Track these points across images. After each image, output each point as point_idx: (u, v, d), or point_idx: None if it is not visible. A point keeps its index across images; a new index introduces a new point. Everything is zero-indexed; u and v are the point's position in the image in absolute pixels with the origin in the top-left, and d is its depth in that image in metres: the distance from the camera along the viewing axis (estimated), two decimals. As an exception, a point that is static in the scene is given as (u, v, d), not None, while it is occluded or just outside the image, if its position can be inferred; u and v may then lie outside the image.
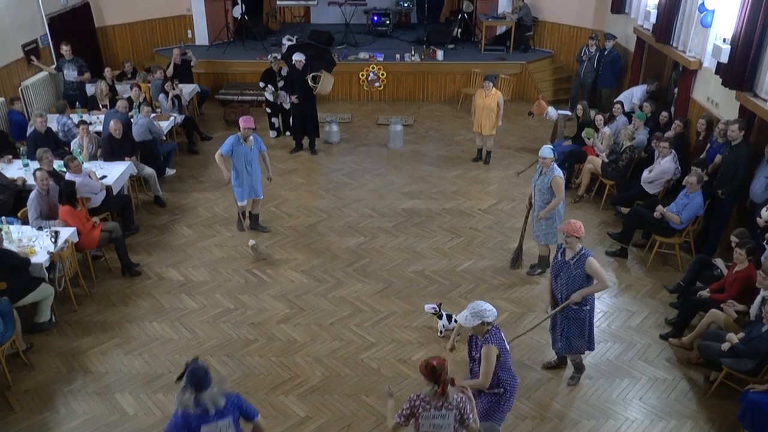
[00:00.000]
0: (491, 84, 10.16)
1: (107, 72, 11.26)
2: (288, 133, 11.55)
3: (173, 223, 8.96)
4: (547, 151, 7.23)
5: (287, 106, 11.06)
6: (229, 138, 8.08)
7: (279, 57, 11.63)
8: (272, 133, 11.78)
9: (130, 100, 10.25)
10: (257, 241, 8.18)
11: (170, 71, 11.78)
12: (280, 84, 11.01)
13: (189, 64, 12.44)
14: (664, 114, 9.51)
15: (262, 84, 11.27)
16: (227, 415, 4.11)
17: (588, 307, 5.78)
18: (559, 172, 7.25)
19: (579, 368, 6.19)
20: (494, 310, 4.74)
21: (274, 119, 11.65)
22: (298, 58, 10.55)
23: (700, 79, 9.28)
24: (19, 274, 6.34)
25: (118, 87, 11.42)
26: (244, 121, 8.02)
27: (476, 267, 7.97)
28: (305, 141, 11.21)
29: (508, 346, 4.92)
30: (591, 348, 6.03)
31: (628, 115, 10.04)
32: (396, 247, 8.35)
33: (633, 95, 11.02)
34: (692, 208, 7.58)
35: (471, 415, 4.26)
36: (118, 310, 7.14)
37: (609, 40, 11.94)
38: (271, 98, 11.25)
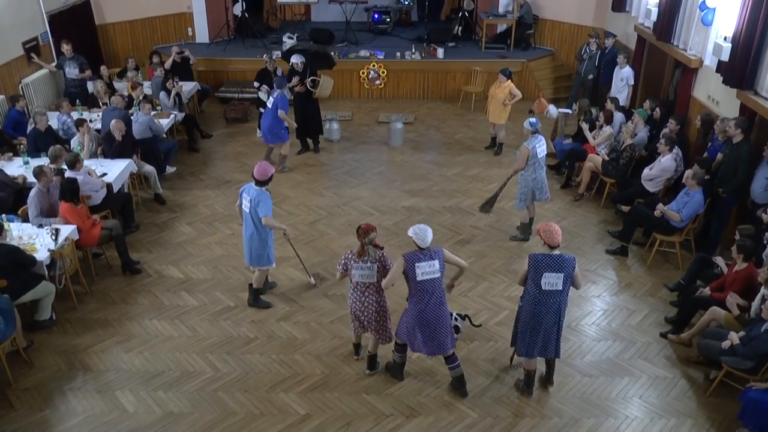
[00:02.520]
0: (504, 77, 10.64)
1: (103, 70, 11.26)
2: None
3: (173, 221, 8.96)
4: (525, 122, 7.95)
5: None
6: (265, 196, 6.55)
7: (274, 57, 11.62)
8: (259, 133, 11.72)
9: (130, 97, 10.27)
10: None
11: (168, 64, 11.80)
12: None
13: (188, 61, 12.44)
14: (656, 110, 9.53)
15: (256, 84, 11.26)
16: (277, 92, 9.61)
17: (521, 304, 5.75)
18: (529, 143, 7.84)
19: (524, 375, 5.99)
20: (426, 240, 5.42)
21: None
22: (295, 60, 10.55)
23: (700, 78, 9.27)
24: (21, 271, 6.35)
25: (116, 84, 11.43)
26: (271, 170, 6.66)
27: (476, 265, 7.96)
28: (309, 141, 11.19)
29: (424, 276, 5.47)
30: (519, 350, 5.83)
31: (628, 114, 10.05)
32: (396, 245, 8.33)
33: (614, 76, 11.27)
34: (693, 206, 7.58)
35: (391, 264, 5.60)
36: (118, 308, 7.15)
37: (609, 38, 11.93)
38: (265, 98, 11.23)
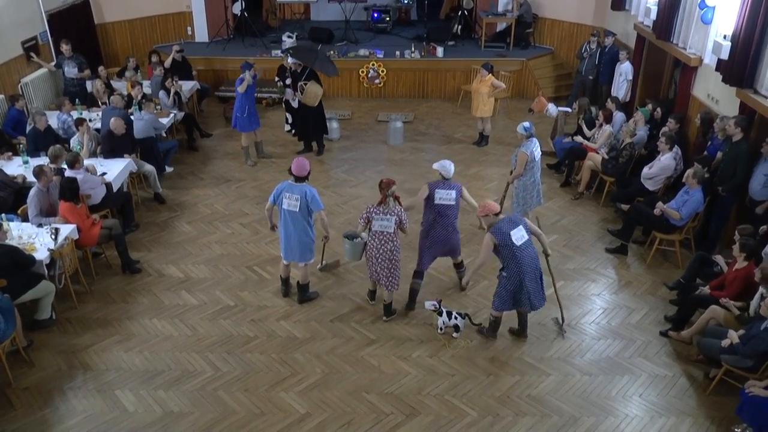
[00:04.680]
0: (486, 71, 10.81)
1: (101, 70, 11.25)
2: (294, 132, 11.44)
3: (173, 220, 8.96)
4: (519, 127, 7.94)
5: (294, 105, 10.98)
6: (315, 191, 6.74)
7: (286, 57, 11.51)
8: (287, 127, 11.72)
9: (129, 96, 10.26)
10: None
11: (168, 63, 11.81)
12: (288, 81, 10.91)
13: (187, 61, 12.43)
14: (658, 110, 9.54)
15: (276, 79, 11.19)
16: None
17: (505, 274, 6.19)
18: (527, 148, 7.84)
19: (491, 322, 6.62)
20: (449, 171, 6.72)
21: (288, 114, 11.55)
22: (291, 61, 10.53)
23: (700, 76, 9.26)
24: (20, 271, 6.35)
25: (115, 84, 11.41)
26: (308, 164, 6.84)
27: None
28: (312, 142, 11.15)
29: (442, 202, 6.69)
30: (525, 307, 6.35)
31: (626, 109, 10.07)
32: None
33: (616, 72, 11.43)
34: (692, 204, 7.58)
35: (406, 222, 6.47)
36: (118, 307, 7.15)
37: (608, 36, 11.93)
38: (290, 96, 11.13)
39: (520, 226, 6.05)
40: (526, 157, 7.83)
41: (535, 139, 7.97)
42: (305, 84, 10.32)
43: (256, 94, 10.58)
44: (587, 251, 8.27)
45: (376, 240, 6.53)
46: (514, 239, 5.98)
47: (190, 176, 10.29)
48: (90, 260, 7.62)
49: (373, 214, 6.43)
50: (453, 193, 6.70)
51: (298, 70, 10.49)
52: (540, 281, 6.27)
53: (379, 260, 6.59)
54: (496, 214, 6.07)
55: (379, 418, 5.71)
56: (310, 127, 10.89)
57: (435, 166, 6.83)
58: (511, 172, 8.22)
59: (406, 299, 7.13)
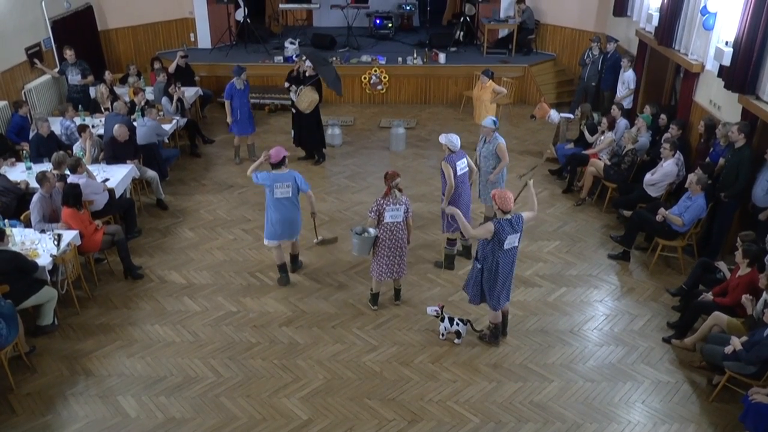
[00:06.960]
0: (486, 78, 10.90)
1: (107, 75, 11.29)
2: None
3: (175, 226, 8.97)
4: (487, 121, 8.15)
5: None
6: (299, 173, 7.19)
7: (305, 58, 11.49)
8: (293, 133, 11.70)
9: (132, 103, 10.29)
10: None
11: (172, 68, 11.84)
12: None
13: (190, 67, 12.46)
14: (663, 117, 9.53)
15: (287, 84, 11.09)
16: None
17: (479, 266, 6.28)
18: (502, 140, 8.12)
19: (491, 329, 6.68)
20: (457, 144, 7.37)
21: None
22: (308, 64, 10.52)
23: (702, 82, 9.26)
24: (23, 276, 6.36)
25: (118, 90, 11.45)
26: (283, 151, 7.13)
27: (478, 270, 7.96)
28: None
29: (460, 171, 7.38)
30: (491, 306, 6.45)
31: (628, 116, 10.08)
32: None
33: (620, 80, 11.44)
34: (694, 210, 7.57)
35: (411, 212, 6.81)
36: (120, 313, 7.15)
37: (610, 42, 11.95)
38: (294, 98, 11.12)
39: (517, 234, 6.08)
40: (505, 146, 8.09)
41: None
42: (302, 88, 10.32)
43: (250, 100, 10.69)
44: (590, 257, 8.26)
45: (389, 231, 6.74)
46: (505, 244, 6.03)
47: (193, 182, 10.31)
48: (92, 266, 7.63)
49: (385, 206, 6.62)
50: (465, 161, 7.44)
51: (312, 73, 10.43)
52: (509, 285, 6.39)
53: (392, 250, 6.81)
54: (505, 212, 6.00)
55: (381, 425, 5.70)
56: (305, 135, 10.82)
57: (441, 139, 7.38)
58: (477, 167, 8.35)
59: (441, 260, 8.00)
